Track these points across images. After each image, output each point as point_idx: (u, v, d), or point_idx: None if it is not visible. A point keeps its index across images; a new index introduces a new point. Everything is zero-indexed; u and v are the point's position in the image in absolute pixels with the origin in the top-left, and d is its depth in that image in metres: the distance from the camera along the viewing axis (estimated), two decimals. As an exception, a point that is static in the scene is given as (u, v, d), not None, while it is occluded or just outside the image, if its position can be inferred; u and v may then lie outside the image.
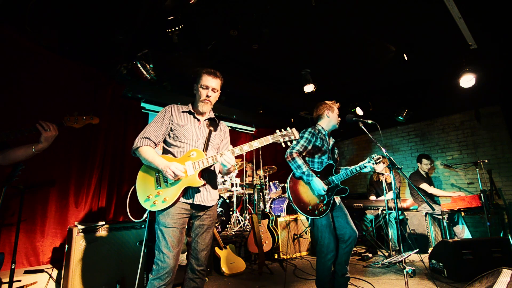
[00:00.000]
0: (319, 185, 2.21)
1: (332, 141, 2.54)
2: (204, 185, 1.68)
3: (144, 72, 3.48)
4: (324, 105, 2.53)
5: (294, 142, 2.35)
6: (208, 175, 1.78)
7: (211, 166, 1.69)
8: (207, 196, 1.74)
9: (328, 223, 2.23)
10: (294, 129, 1.72)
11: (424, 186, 4.37)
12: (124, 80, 3.90)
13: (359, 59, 4.07)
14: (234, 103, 5.38)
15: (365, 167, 2.33)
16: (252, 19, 3.05)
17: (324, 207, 2.24)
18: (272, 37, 3.40)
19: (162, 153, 1.79)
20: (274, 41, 3.57)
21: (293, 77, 4.48)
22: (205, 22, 3.18)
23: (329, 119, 2.49)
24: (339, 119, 2.53)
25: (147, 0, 2.73)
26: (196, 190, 1.69)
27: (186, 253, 2.91)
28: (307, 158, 2.43)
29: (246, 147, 1.65)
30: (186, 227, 1.69)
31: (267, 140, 1.68)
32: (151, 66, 3.51)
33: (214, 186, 1.82)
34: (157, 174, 1.65)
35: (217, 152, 1.82)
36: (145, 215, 1.66)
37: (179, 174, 1.56)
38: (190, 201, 1.67)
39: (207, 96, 1.78)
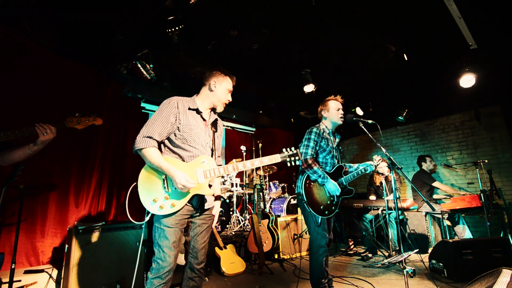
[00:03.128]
0: (335, 186, 2.27)
1: (337, 139, 2.56)
2: (212, 194, 1.70)
3: (144, 72, 3.49)
4: (320, 106, 2.57)
5: (303, 147, 2.35)
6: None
7: (220, 176, 1.71)
8: (209, 199, 1.78)
9: (323, 221, 2.30)
10: (298, 150, 1.77)
11: (437, 184, 4.45)
12: (124, 80, 3.90)
13: (359, 59, 4.07)
14: (234, 103, 5.32)
15: (366, 170, 2.43)
16: (252, 19, 3.05)
17: (333, 207, 2.33)
18: (272, 37, 3.40)
19: (166, 151, 1.70)
20: (274, 41, 3.57)
21: (293, 77, 4.48)
22: (205, 22, 3.18)
23: (328, 118, 2.52)
24: (341, 113, 2.48)
25: (147, 0, 2.73)
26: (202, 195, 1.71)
27: (184, 253, 2.92)
28: None
29: (257, 162, 1.68)
30: (185, 226, 1.71)
31: (276, 158, 1.73)
32: (151, 66, 3.51)
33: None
34: (164, 176, 1.58)
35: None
36: (147, 218, 1.62)
37: (189, 186, 1.52)
38: (193, 203, 1.69)
39: (228, 100, 1.86)
